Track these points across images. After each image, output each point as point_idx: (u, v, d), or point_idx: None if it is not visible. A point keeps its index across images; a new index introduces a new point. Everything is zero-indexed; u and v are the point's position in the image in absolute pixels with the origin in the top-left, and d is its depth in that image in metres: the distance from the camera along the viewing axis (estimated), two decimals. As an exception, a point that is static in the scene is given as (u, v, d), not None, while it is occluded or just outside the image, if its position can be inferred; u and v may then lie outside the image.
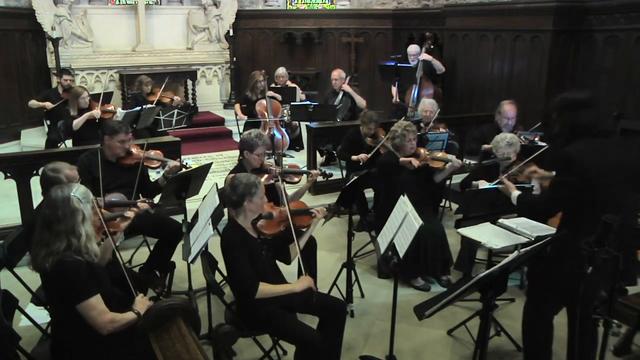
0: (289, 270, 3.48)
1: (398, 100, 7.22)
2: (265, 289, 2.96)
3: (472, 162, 4.92)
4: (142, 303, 2.65)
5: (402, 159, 4.38)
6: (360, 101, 7.25)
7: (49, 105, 6.62)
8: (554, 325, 3.01)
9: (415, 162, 4.35)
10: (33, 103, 6.81)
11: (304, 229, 3.44)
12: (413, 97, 7.14)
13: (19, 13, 8.26)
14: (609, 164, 2.66)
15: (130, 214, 3.28)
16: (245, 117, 7.18)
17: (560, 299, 2.90)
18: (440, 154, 4.59)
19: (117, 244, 3.03)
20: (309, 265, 3.84)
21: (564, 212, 2.86)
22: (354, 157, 5.31)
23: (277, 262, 3.40)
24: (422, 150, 4.57)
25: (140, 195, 4.16)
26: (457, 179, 5.35)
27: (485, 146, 4.76)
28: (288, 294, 3.02)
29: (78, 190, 2.55)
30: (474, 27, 7.37)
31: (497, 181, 3.61)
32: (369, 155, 5.19)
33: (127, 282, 2.97)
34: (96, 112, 5.87)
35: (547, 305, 2.95)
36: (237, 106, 7.44)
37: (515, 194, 3.16)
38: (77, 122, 5.84)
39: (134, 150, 4.24)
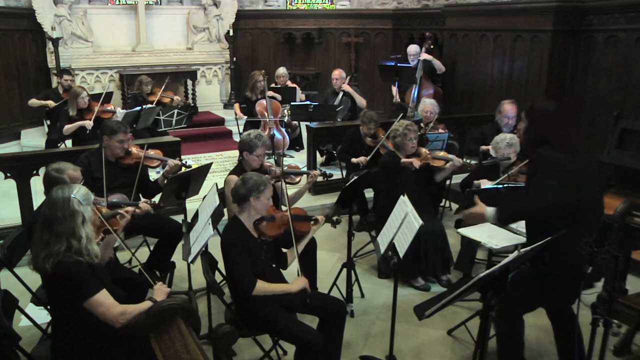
0: (288, 270, 3.48)
1: (399, 100, 7.23)
2: (263, 286, 2.98)
3: (473, 161, 4.92)
4: (161, 291, 2.64)
5: (403, 159, 4.38)
6: (361, 101, 7.25)
7: (51, 103, 6.61)
8: (545, 329, 3.00)
9: (417, 163, 4.35)
10: (33, 102, 6.81)
11: (303, 235, 3.46)
12: (413, 97, 7.15)
13: (19, 13, 8.26)
14: (582, 168, 2.71)
15: (129, 210, 3.26)
16: (245, 117, 7.18)
17: (541, 299, 2.89)
18: (441, 153, 4.60)
19: (117, 244, 3.03)
20: (309, 265, 3.85)
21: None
22: (353, 160, 5.32)
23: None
24: (422, 150, 4.57)
25: (140, 195, 4.17)
26: (457, 178, 5.35)
27: (484, 147, 4.76)
28: (284, 294, 3.04)
29: (79, 192, 2.54)
30: (474, 27, 7.37)
31: (497, 181, 3.61)
32: (368, 158, 5.21)
33: (128, 282, 2.97)
34: (88, 123, 5.81)
35: (525, 306, 2.94)
36: (237, 106, 7.44)
37: (491, 212, 2.81)
38: (68, 129, 5.84)
39: (133, 149, 4.24)
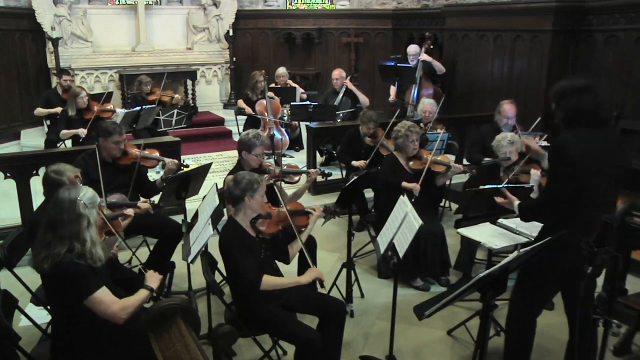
0: (288, 269, 3.48)
1: (396, 99, 7.24)
2: (270, 280, 2.98)
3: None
4: (153, 277, 2.64)
5: (404, 183, 4.30)
6: (364, 99, 7.25)
7: (59, 110, 6.51)
8: (545, 329, 3.00)
9: (417, 190, 4.24)
10: (40, 112, 6.71)
11: (303, 229, 3.47)
12: (413, 97, 7.16)
13: (18, 13, 8.26)
14: (595, 155, 2.62)
15: (130, 212, 3.27)
16: (250, 110, 7.21)
17: (550, 291, 2.89)
18: (441, 158, 4.57)
19: (118, 243, 3.03)
20: (308, 264, 3.84)
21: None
22: (354, 163, 5.31)
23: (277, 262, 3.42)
24: (424, 153, 4.54)
25: (139, 195, 4.16)
26: (457, 179, 5.35)
27: (487, 159, 4.73)
28: (293, 287, 3.04)
29: (86, 195, 2.52)
30: (474, 27, 7.37)
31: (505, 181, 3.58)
32: (367, 161, 5.21)
33: (128, 282, 2.97)
34: (82, 132, 5.76)
35: (534, 305, 2.93)
36: (241, 101, 7.52)
37: (516, 204, 2.98)
38: (64, 134, 5.86)
39: (130, 150, 4.24)
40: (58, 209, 2.47)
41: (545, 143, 4.82)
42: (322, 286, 3.08)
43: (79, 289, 2.41)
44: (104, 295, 2.43)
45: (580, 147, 2.61)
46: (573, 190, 2.62)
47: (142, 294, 2.55)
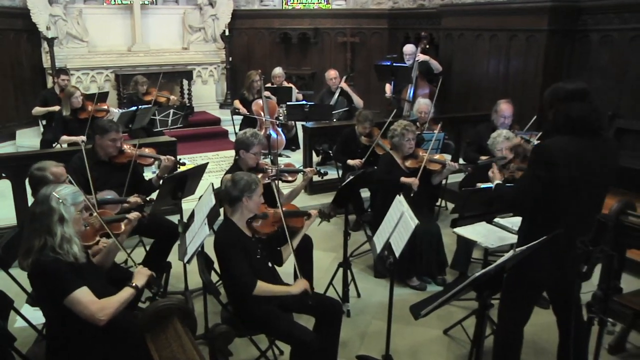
0: (284, 269, 3.48)
1: (393, 95, 7.25)
2: (263, 286, 2.98)
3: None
4: (141, 274, 2.59)
5: (402, 179, 4.32)
6: (358, 101, 7.26)
7: (56, 108, 6.48)
8: (542, 327, 3.00)
9: (415, 184, 4.27)
10: (38, 110, 6.71)
11: (297, 231, 3.46)
12: (409, 96, 7.17)
13: (13, 13, 8.24)
14: (580, 163, 2.58)
15: (133, 216, 3.22)
16: (245, 111, 7.20)
17: (534, 293, 2.90)
18: (437, 156, 4.59)
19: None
20: (305, 264, 3.84)
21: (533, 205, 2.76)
22: (350, 162, 5.32)
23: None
24: (420, 152, 4.55)
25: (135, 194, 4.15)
26: (454, 178, 5.36)
27: (483, 158, 4.75)
28: (284, 295, 3.04)
29: (61, 191, 2.48)
30: (470, 26, 7.39)
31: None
32: (363, 160, 5.22)
33: (125, 283, 2.95)
34: (81, 139, 5.69)
35: (522, 310, 2.91)
36: (237, 102, 7.51)
37: (495, 183, 3.05)
38: (64, 140, 5.86)
39: (127, 148, 4.22)
40: (35, 204, 2.49)
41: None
42: (309, 300, 3.04)
43: (57, 288, 2.36)
44: (82, 295, 2.36)
45: (565, 152, 2.56)
46: (546, 193, 2.58)
47: (126, 292, 2.48)
